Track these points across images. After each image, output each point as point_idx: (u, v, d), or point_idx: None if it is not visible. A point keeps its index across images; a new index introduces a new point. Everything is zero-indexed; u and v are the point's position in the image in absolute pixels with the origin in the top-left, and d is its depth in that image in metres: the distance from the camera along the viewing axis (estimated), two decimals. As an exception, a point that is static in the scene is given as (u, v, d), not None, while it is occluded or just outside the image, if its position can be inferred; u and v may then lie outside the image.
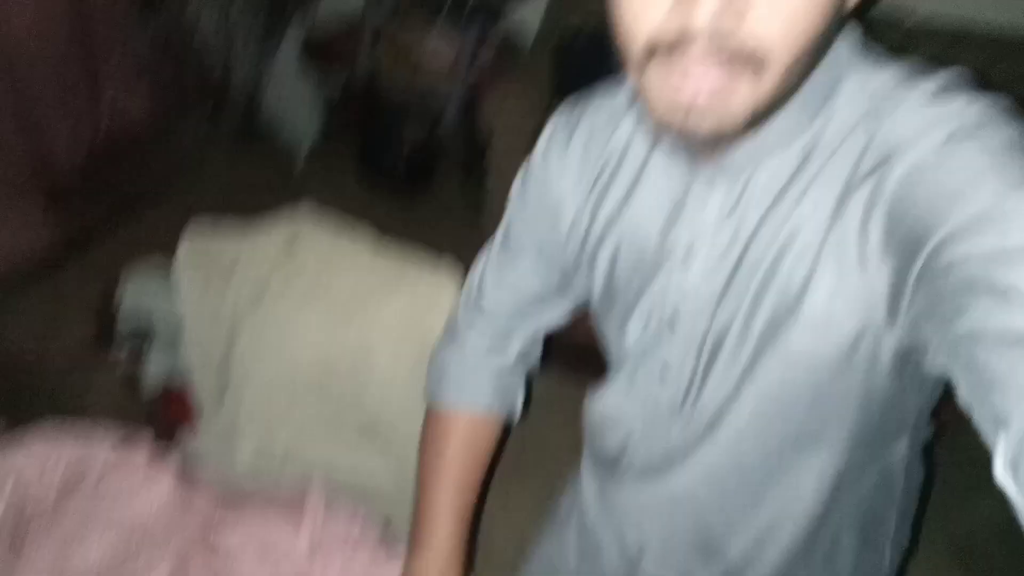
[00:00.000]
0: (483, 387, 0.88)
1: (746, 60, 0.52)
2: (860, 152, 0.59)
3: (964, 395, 0.48)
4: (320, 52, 2.75)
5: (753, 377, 0.66)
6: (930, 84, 0.58)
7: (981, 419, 0.46)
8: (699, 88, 0.53)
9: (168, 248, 1.35)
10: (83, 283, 2.07)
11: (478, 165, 2.56)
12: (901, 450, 0.72)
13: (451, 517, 0.87)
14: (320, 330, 1.27)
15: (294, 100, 2.81)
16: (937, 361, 0.51)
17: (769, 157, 0.62)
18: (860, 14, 0.60)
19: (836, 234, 0.59)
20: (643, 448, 0.79)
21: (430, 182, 2.77)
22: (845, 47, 0.62)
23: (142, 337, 1.40)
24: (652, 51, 0.53)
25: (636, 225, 0.72)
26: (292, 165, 2.88)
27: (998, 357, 0.44)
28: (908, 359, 0.62)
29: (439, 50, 2.40)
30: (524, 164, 0.83)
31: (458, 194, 2.75)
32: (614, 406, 0.82)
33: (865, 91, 0.60)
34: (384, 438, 1.29)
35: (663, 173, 0.69)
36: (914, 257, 0.52)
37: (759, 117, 0.57)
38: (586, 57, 2.25)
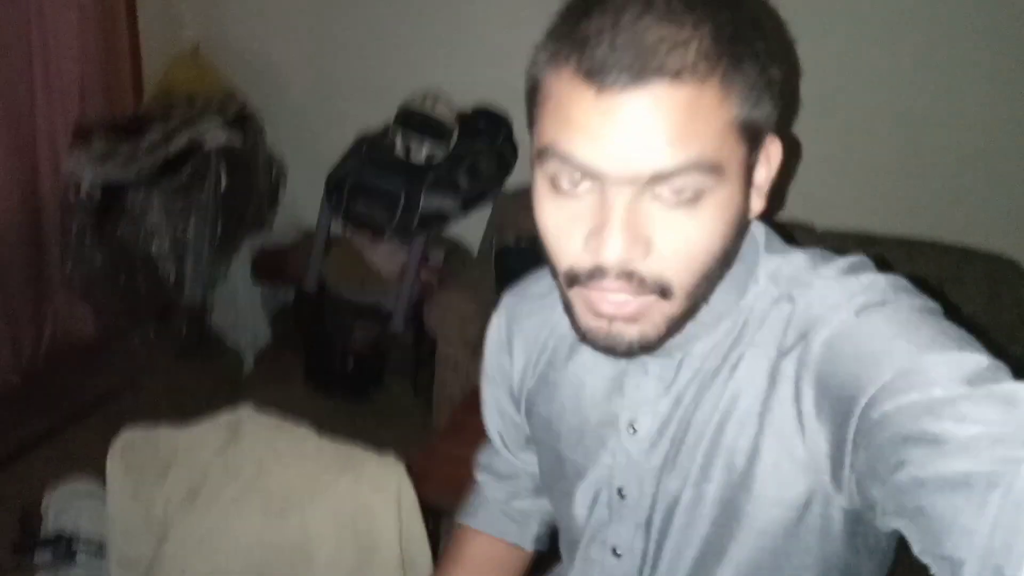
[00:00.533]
0: (498, 517, 0.97)
1: (652, 289, 0.59)
2: (784, 327, 0.64)
3: (917, 545, 0.50)
4: (273, 263, 2.86)
5: (716, 552, 0.68)
6: (838, 264, 0.65)
7: (937, 567, 0.48)
8: (616, 308, 0.60)
9: (105, 458, 1.31)
10: (12, 489, 1.99)
11: (426, 368, 2.62)
12: None
13: None
14: (256, 528, 1.22)
15: (244, 310, 2.87)
16: (886, 518, 0.54)
17: (698, 340, 0.68)
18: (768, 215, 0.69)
19: (773, 403, 0.63)
20: None
21: (378, 385, 2.78)
22: (760, 239, 0.69)
23: (66, 544, 1.32)
24: (573, 278, 0.60)
25: (577, 401, 0.77)
26: (240, 373, 2.88)
27: (943, 502, 0.47)
28: (859, 521, 0.64)
29: (387, 258, 2.52)
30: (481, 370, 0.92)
31: (406, 397, 2.77)
32: None
33: (781, 275, 0.67)
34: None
35: (599, 357, 0.73)
36: (847, 421, 0.56)
37: (676, 327, 0.63)
38: (526, 264, 2.38)
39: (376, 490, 1.17)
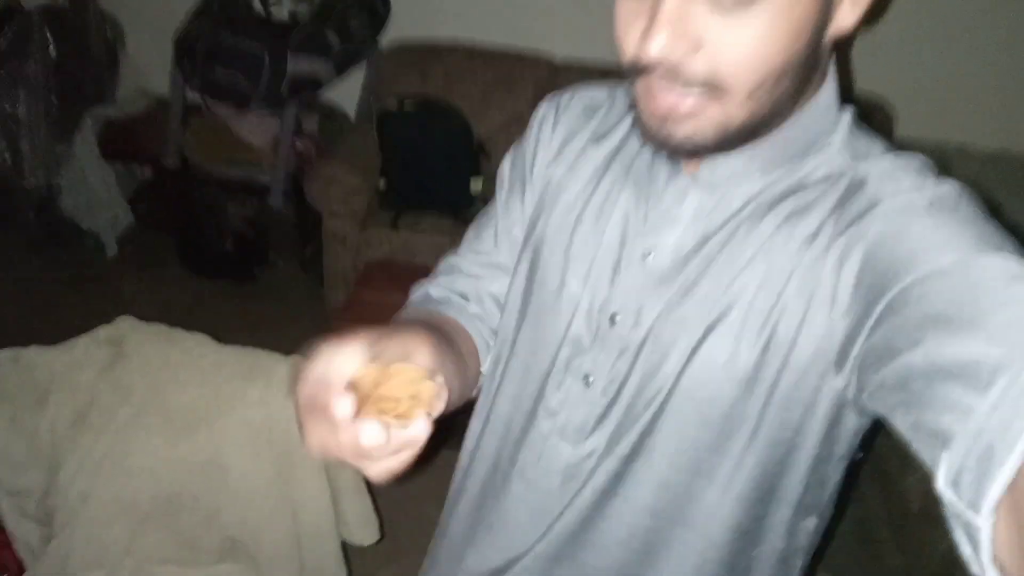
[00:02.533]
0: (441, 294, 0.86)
1: (702, 87, 0.58)
2: (842, 199, 0.63)
3: (906, 419, 0.50)
4: (123, 137, 2.57)
5: (679, 384, 0.66)
6: (913, 160, 0.64)
7: (921, 442, 0.48)
8: (668, 104, 0.59)
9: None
10: None
11: (312, 243, 2.51)
12: (809, 528, 0.72)
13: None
14: (159, 448, 1.15)
15: (97, 191, 2.59)
16: (877, 397, 0.54)
17: (746, 180, 0.66)
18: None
19: (814, 265, 0.62)
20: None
21: (263, 264, 2.65)
22: (844, 116, 0.67)
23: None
24: (633, 68, 0.60)
25: (598, 213, 0.73)
26: (103, 260, 2.65)
27: (951, 382, 0.47)
28: (840, 418, 0.64)
29: (256, 129, 2.31)
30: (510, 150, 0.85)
31: (294, 274, 2.66)
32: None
33: (858, 147, 0.66)
34: (248, 552, 1.18)
35: (635, 158, 0.73)
36: (882, 294, 0.55)
37: (733, 135, 0.61)
38: (411, 130, 2.26)
39: (287, 402, 1.12)
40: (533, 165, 0.80)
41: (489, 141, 2.49)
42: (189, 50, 2.14)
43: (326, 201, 2.33)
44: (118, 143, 2.58)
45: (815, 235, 0.63)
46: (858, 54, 2.23)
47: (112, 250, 2.67)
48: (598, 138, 0.76)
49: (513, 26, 2.60)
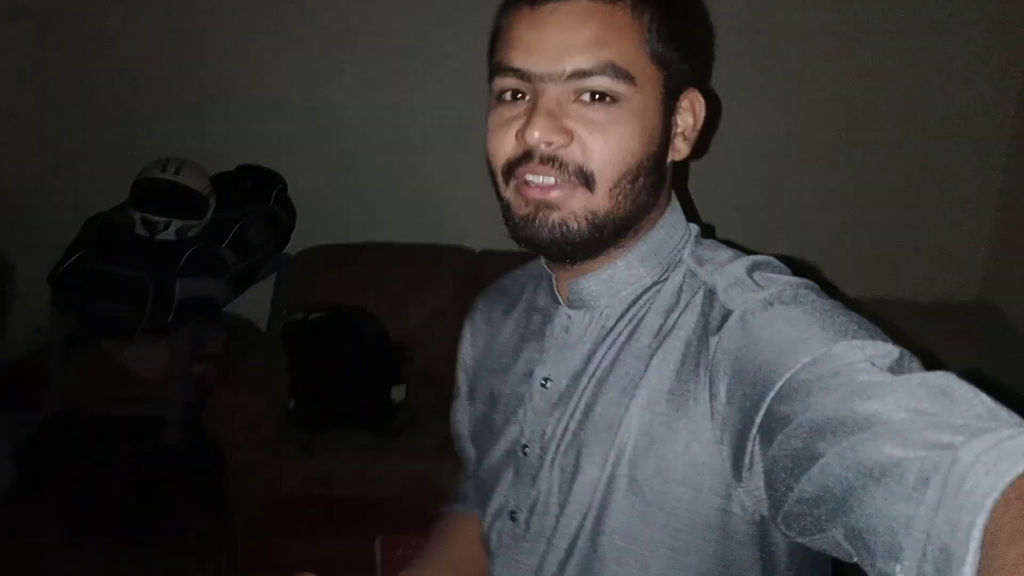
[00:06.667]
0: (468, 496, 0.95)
1: (575, 174, 0.67)
2: (703, 313, 0.69)
3: (836, 533, 0.49)
4: (5, 384, 2.31)
5: (607, 514, 0.69)
6: (756, 259, 0.71)
7: (864, 554, 0.46)
8: (541, 191, 0.68)
9: None
10: None
11: (216, 478, 2.18)
12: None
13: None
14: None
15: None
16: (798, 512, 0.52)
17: (614, 297, 0.75)
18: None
19: (688, 384, 0.66)
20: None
21: (162, 512, 2.30)
22: (690, 232, 0.77)
23: None
24: (509, 169, 0.69)
25: (506, 359, 0.84)
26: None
27: (877, 491, 0.46)
28: (765, 530, 0.66)
29: (147, 358, 2.08)
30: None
31: (198, 521, 2.30)
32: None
33: (705, 260, 0.73)
34: None
35: (533, 309, 0.83)
36: (758, 405, 0.58)
37: (600, 225, 0.69)
38: (318, 340, 2.05)
39: None
40: (467, 369, 0.93)
41: (412, 340, 2.28)
42: (67, 282, 1.95)
43: (229, 431, 2.05)
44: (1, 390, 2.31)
45: (684, 354, 0.68)
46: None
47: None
48: (506, 310, 0.88)
49: (430, 223, 2.48)
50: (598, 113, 0.66)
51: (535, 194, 0.67)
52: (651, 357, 0.69)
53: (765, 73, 2.26)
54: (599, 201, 0.68)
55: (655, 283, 0.73)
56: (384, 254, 2.40)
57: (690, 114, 0.74)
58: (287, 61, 2.32)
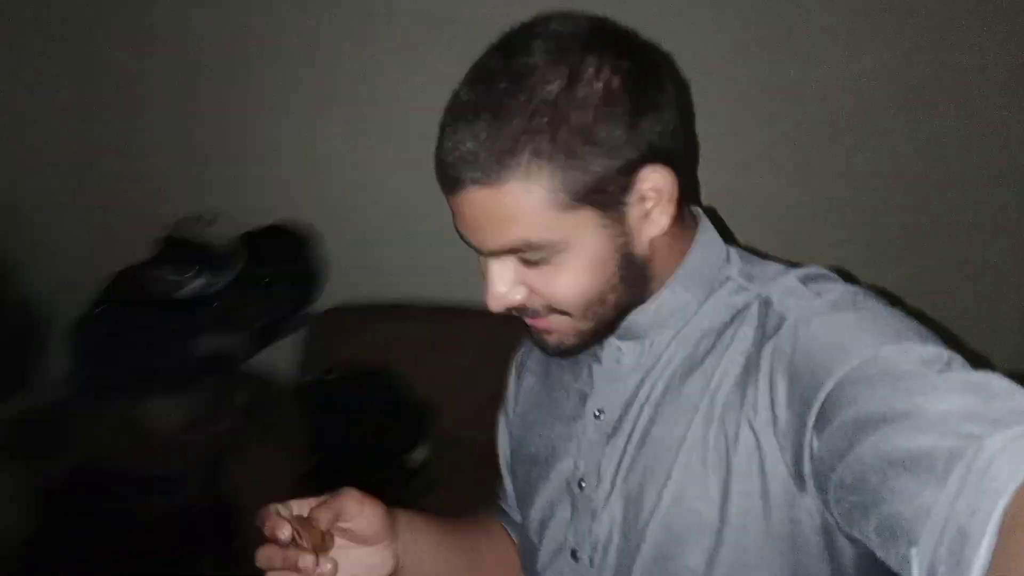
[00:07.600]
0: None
1: (548, 310, 0.74)
2: (760, 324, 0.69)
3: (868, 526, 0.50)
4: (24, 442, 2.30)
5: (674, 552, 0.70)
6: (809, 270, 0.72)
7: (887, 544, 0.47)
8: (534, 325, 0.77)
9: None
10: None
11: (237, 539, 2.12)
12: None
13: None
14: None
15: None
16: (841, 502, 0.54)
17: (663, 328, 0.76)
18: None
19: (749, 394, 0.67)
20: None
21: (174, 566, 2.24)
22: (732, 251, 0.78)
23: None
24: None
25: (555, 398, 0.86)
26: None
27: (906, 478, 0.47)
28: (832, 539, 0.66)
29: (165, 415, 2.06)
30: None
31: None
32: None
33: (754, 275, 0.74)
34: None
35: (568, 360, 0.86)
36: (811, 406, 0.59)
37: (591, 335, 0.75)
38: (338, 401, 2.02)
39: None
40: (512, 408, 0.97)
41: (436, 401, 2.22)
42: (84, 337, 1.95)
43: (249, 491, 2.00)
44: (20, 445, 2.29)
45: (745, 367, 0.69)
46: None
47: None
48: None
49: (459, 282, 2.45)
50: (540, 272, 0.70)
51: (532, 327, 0.77)
52: (711, 374, 0.70)
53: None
54: (579, 324, 0.74)
55: (703, 303, 0.75)
56: (408, 314, 2.38)
57: (652, 192, 0.71)
58: (320, 121, 2.36)
